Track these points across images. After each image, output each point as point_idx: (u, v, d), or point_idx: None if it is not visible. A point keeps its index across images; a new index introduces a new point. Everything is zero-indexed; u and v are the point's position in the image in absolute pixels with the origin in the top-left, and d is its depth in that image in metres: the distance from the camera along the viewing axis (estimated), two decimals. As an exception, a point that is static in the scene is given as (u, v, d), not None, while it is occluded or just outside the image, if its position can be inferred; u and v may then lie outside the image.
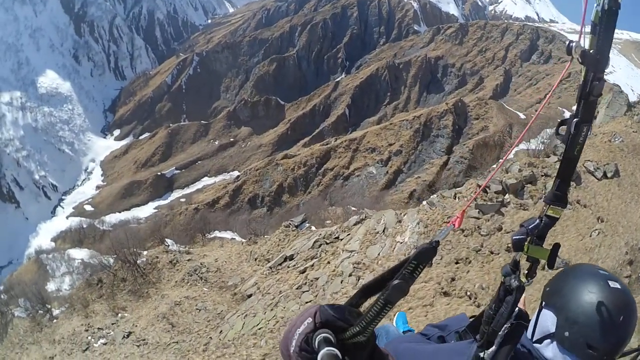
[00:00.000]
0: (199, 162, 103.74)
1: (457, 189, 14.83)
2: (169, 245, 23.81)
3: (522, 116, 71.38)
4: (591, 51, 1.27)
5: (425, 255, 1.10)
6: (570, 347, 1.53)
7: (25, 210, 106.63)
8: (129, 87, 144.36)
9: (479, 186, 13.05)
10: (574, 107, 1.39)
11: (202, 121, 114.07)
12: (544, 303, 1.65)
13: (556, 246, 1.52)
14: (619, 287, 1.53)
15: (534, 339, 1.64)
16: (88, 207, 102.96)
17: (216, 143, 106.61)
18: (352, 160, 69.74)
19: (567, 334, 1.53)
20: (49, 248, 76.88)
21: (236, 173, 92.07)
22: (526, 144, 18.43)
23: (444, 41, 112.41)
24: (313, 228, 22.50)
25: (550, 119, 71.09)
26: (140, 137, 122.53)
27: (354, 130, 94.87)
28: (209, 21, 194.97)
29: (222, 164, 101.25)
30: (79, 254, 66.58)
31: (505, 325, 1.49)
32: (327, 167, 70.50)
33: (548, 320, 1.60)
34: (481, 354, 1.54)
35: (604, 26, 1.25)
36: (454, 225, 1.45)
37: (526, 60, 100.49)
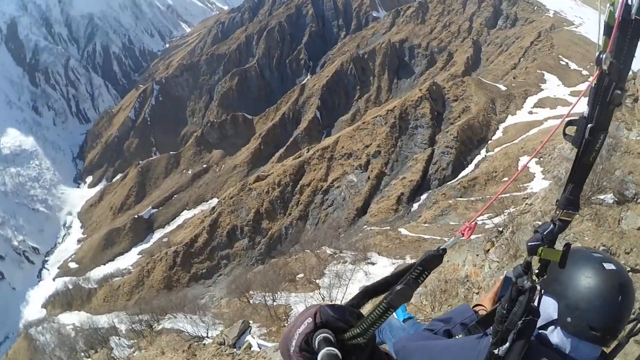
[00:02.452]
0: (175, 196, 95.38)
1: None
2: (112, 349, 22.61)
3: (502, 87, 63.45)
4: (613, 60, 1.24)
5: (431, 262, 1.10)
6: (574, 332, 1.62)
7: (11, 280, 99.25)
8: (94, 130, 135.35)
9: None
10: (585, 110, 1.35)
11: (172, 152, 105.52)
12: (542, 290, 1.72)
13: (567, 246, 1.51)
14: (613, 267, 1.61)
15: (538, 326, 1.68)
16: (72, 265, 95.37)
17: (189, 172, 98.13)
18: (329, 170, 61.59)
19: (569, 319, 1.61)
20: (40, 318, 71.81)
21: (215, 200, 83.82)
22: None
23: (405, 23, 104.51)
24: (258, 345, 15.42)
25: (531, 85, 64.89)
26: (114, 180, 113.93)
27: (329, 132, 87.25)
28: (167, 45, 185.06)
29: (199, 193, 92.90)
30: (70, 319, 63.45)
31: (518, 323, 1.49)
32: (303, 183, 62.35)
33: (549, 307, 1.68)
34: (495, 351, 1.55)
35: (630, 36, 1.22)
36: (463, 234, 1.40)
37: (493, 27, 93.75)
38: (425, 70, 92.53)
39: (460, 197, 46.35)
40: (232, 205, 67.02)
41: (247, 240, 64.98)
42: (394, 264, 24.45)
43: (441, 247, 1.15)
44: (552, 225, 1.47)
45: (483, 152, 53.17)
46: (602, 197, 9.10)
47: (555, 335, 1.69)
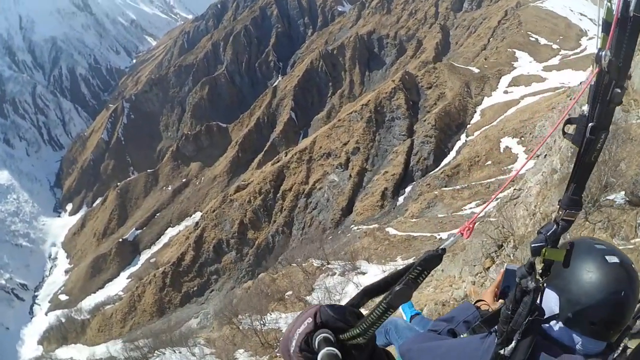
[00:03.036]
0: (158, 214, 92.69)
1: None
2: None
3: (475, 70, 62.18)
4: (613, 58, 1.23)
5: (430, 262, 1.10)
6: (576, 327, 1.57)
7: (4, 320, 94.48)
8: (68, 155, 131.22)
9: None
10: (584, 107, 1.35)
11: (149, 170, 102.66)
12: (545, 284, 1.66)
13: (571, 245, 1.56)
14: (617, 260, 1.54)
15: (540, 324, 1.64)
16: (63, 297, 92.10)
17: (169, 189, 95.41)
18: (309, 172, 59.77)
19: (570, 314, 1.57)
20: (37, 356, 72.30)
21: (199, 214, 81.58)
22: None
23: (371, 14, 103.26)
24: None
25: (503, 64, 62.71)
26: (94, 205, 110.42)
27: (306, 132, 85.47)
28: (134, 61, 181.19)
29: (181, 209, 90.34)
30: (67, 353, 65.05)
31: (523, 323, 1.51)
32: (284, 188, 60.42)
33: (551, 302, 1.63)
34: (501, 352, 1.56)
35: (629, 33, 1.21)
36: (462, 234, 1.37)
37: (459, 10, 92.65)
38: (396, 60, 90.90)
39: (445, 186, 45.02)
40: (215, 219, 64.94)
41: (234, 253, 62.97)
42: (384, 271, 23.41)
43: (440, 247, 1.15)
44: (555, 226, 1.47)
45: (463, 137, 51.92)
46: (611, 197, 8.08)
47: (557, 330, 1.63)
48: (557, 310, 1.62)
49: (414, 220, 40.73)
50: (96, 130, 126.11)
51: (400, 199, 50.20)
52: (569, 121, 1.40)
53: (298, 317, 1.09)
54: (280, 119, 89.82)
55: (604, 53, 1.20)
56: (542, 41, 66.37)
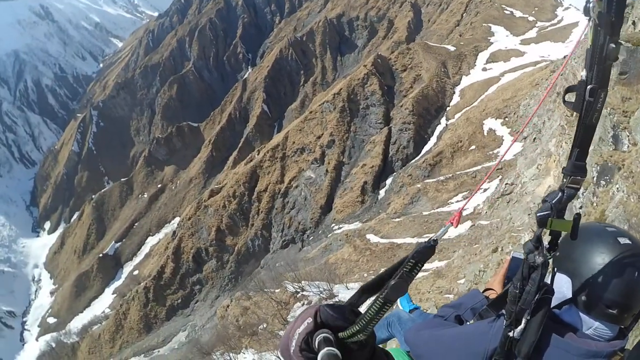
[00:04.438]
0: (136, 224, 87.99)
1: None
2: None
3: (450, 48, 57.99)
4: (604, 11, 1.21)
5: (423, 254, 1.10)
6: (589, 310, 1.54)
7: None
8: (41, 172, 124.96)
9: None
10: (583, 73, 1.31)
11: (123, 179, 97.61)
12: (555, 269, 1.64)
13: (577, 216, 1.44)
14: (629, 242, 1.52)
15: (552, 306, 1.60)
16: (51, 320, 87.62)
17: (145, 196, 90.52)
18: (283, 170, 55.46)
19: (584, 297, 1.54)
20: None
21: (178, 220, 77.14)
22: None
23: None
24: None
25: (480, 40, 57.28)
26: (72, 220, 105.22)
27: (280, 124, 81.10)
28: (101, 65, 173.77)
29: (159, 216, 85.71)
30: None
31: (532, 302, 1.47)
32: (259, 189, 56.16)
33: (563, 286, 1.60)
34: (510, 333, 1.53)
35: None
36: (452, 223, 1.40)
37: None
38: (368, 42, 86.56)
39: (428, 176, 41.16)
40: (191, 227, 60.64)
41: (215, 261, 58.93)
42: None
43: (432, 238, 1.14)
44: (560, 194, 1.40)
45: (443, 121, 47.94)
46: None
47: (570, 314, 1.59)
48: (569, 295, 1.56)
49: (397, 220, 36.93)
50: (66, 142, 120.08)
51: (382, 192, 46.46)
52: (569, 89, 1.36)
53: (298, 317, 1.09)
54: (252, 113, 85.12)
55: (591, 5, 1.19)
56: (518, 14, 63.56)
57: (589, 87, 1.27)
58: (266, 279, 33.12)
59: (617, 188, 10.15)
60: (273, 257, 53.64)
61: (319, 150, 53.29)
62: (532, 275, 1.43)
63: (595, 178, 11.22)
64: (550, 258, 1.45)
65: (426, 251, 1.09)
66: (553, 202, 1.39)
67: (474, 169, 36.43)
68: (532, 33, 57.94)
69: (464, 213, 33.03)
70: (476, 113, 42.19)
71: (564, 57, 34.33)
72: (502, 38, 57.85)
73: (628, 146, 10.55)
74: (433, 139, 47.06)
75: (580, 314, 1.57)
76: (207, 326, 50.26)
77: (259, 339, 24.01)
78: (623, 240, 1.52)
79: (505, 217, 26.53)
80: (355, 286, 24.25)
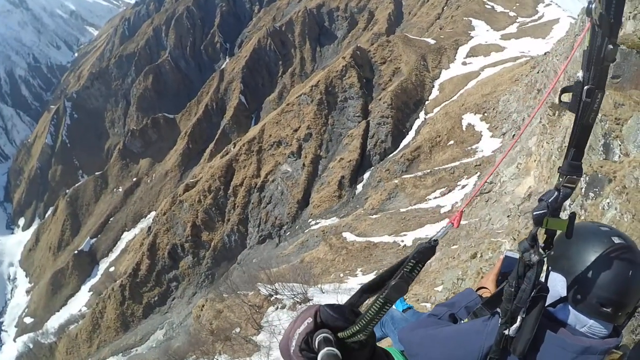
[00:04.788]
0: (111, 219, 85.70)
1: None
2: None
3: (430, 41, 56.89)
4: (604, 12, 1.19)
5: (424, 254, 1.09)
6: (583, 308, 1.54)
7: None
8: (15, 166, 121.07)
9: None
10: (579, 74, 1.30)
11: (97, 172, 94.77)
12: (550, 267, 1.65)
13: (572, 215, 1.47)
14: (623, 242, 1.53)
15: (547, 304, 1.60)
16: (28, 320, 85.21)
17: (120, 190, 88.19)
18: (260, 164, 53.90)
19: (579, 296, 1.54)
20: None
21: (153, 214, 75.12)
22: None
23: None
24: None
25: (460, 34, 56.33)
26: (47, 216, 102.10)
27: (258, 116, 79.30)
28: (75, 55, 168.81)
29: (135, 210, 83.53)
30: None
31: (527, 300, 1.48)
32: (235, 183, 54.55)
33: (557, 285, 1.61)
34: (505, 332, 1.54)
35: None
36: (452, 224, 1.36)
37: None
38: (348, 33, 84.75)
39: (406, 171, 40.13)
40: (166, 223, 58.79)
41: (191, 258, 57.28)
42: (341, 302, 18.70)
43: (433, 239, 1.13)
44: (556, 193, 1.40)
45: (422, 115, 46.87)
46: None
47: (564, 312, 1.60)
48: (563, 293, 1.58)
49: (374, 216, 35.87)
50: (39, 135, 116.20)
51: (359, 187, 45.36)
52: (565, 90, 1.37)
53: (298, 317, 1.08)
54: (229, 104, 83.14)
55: (594, 5, 1.16)
56: (499, 9, 62.89)
57: (585, 87, 1.27)
58: (239, 281, 31.84)
59: (608, 203, 9.01)
60: (250, 252, 52.41)
61: (295, 144, 51.85)
62: (527, 274, 1.43)
63: (583, 189, 10.13)
64: (545, 257, 1.44)
65: (427, 251, 1.08)
66: (549, 201, 1.38)
67: (452, 164, 35.49)
68: (512, 28, 57.40)
69: (442, 211, 32.22)
70: (455, 108, 41.20)
71: (545, 53, 33.43)
72: (482, 32, 57.15)
73: (619, 156, 9.50)
74: (411, 134, 46.00)
75: (575, 312, 1.56)
76: (184, 323, 49.27)
77: (233, 344, 23.17)
78: (617, 240, 1.52)
79: (484, 218, 25.64)
80: (330, 288, 23.55)
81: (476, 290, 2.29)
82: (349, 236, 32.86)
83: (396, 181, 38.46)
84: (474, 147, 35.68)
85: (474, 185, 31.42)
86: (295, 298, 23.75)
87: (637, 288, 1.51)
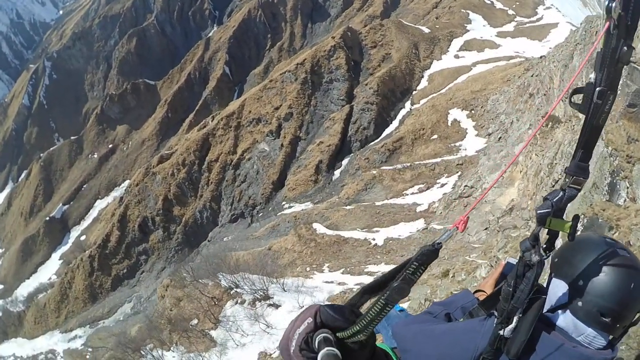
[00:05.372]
0: (85, 186, 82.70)
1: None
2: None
3: (425, 30, 54.63)
4: (622, 12, 1.19)
5: (427, 257, 1.08)
6: (583, 317, 1.51)
7: None
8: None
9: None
10: (592, 75, 1.29)
11: (73, 137, 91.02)
12: (553, 274, 1.63)
13: (576, 218, 1.46)
14: (627, 254, 1.52)
15: (546, 310, 1.60)
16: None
17: (95, 157, 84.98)
18: (237, 141, 51.54)
19: (580, 304, 1.51)
20: None
21: (127, 183, 72.46)
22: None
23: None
24: None
25: (456, 26, 53.84)
26: (20, 179, 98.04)
27: (241, 89, 76.40)
28: (60, 12, 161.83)
29: (109, 178, 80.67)
30: (9, 349, 61.34)
31: (525, 301, 1.46)
32: (210, 159, 52.22)
33: (559, 291, 1.58)
34: (501, 332, 1.51)
35: None
36: (457, 227, 1.33)
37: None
38: (342, 12, 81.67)
39: (386, 162, 38.36)
40: (138, 195, 56.48)
41: (161, 232, 55.26)
42: (302, 307, 18.31)
43: (437, 242, 1.12)
44: (562, 193, 1.39)
45: (408, 105, 44.88)
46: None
47: (562, 319, 1.56)
48: (565, 300, 1.54)
49: (348, 207, 34.14)
50: (17, 95, 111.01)
51: (337, 173, 43.61)
52: (575, 91, 1.34)
53: (298, 317, 1.07)
54: (213, 75, 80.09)
55: (614, 5, 1.15)
56: (498, 5, 61.03)
57: (597, 89, 1.25)
58: (202, 267, 30.11)
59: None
60: (221, 231, 50.65)
61: (275, 122, 49.51)
62: (527, 274, 1.40)
63: (581, 232, 8.19)
64: (546, 258, 1.43)
65: (430, 254, 1.07)
66: (554, 200, 1.37)
67: (434, 160, 33.77)
68: (509, 27, 55.91)
69: (418, 209, 30.55)
70: (442, 101, 39.33)
71: (541, 57, 31.69)
72: (478, 27, 55.55)
73: (625, 200, 7.52)
74: (395, 123, 44.06)
75: (574, 319, 1.52)
76: (152, 298, 48.07)
77: (189, 336, 22.69)
78: (622, 253, 1.50)
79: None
80: (293, 284, 22.32)
81: (474, 293, 2.24)
82: (320, 228, 31.14)
83: (374, 172, 36.71)
84: (457, 144, 33.93)
85: (453, 187, 29.76)
86: (255, 294, 22.38)
87: (637, 301, 1.48)
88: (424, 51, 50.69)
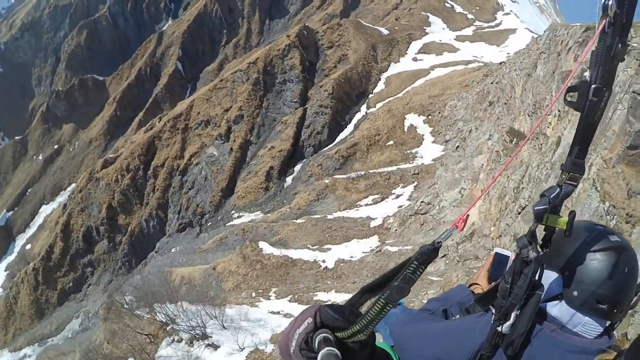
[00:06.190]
0: (29, 190, 76.58)
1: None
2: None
3: (384, 31, 52.65)
4: (618, 10, 1.19)
5: (427, 256, 1.07)
6: (580, 306, 1.51)
7: None
8: None
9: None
10: (587, 73, 1.29)
11: (17, 137, 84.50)
12: (545, 265, 1.54)
13: (572, 213, 1.44)
14: (618, 239, 1.52)
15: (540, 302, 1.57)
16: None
17: (40, 158, 78.89)
18: (184, 144, 47.87)
19: (575, 293, 1.51)
20: None
21: (73, 187, 67.26)
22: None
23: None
24: None
25: (415, 28, 51.76)
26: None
27: (194, 86, 72.30)
28: (12, 1, 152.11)
29: (55, 182, 74.83)
30: None
31: (523, 297, 1.44)
32: (155, 164, 48.39)
33: (552, 282, 1.58)
34: (499, 328, 1.49)
35: None
36: (456, 226, 1.32)
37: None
38: (301, 10, 78.96)
39: (339, 169, 35.70)
40: (81, 202, 52.03)
41: (106, 242, 51.15)
42: (242, 349, 16.84)
43: (436, 241, 1.11)
44: (558, 189, 1.39)
45: (363, 108, 42.33)
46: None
47: (557, 309, 1.55)
48: (559, 291, 1.54)
49: (298, 221, 31.29)
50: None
51: (289, 180, 40.71)
52: (570, 89, 1.34)
53: (298, 317, 1.06)
54: (165, 71, 75.57)
55: (610, 2, 1.16)
56: (458, 9, 60.61)
57: (593, 86, 1.26)
58: (140, 293, 26.94)
59: None
60: (169, 241, 46.93)
61: (225, 125, 46.03)
62: (524, 270, 1.38)
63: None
64: (543, 254, 1.42)
65: (430, 253, 1.06)
66: (551, 196, 1.36)
67: (389, 169, 31.28)
68: (468, 31, 55.19)
69: (371, 224, 28.00)
70: (399, 105, 36.93)
71: (500, 63, 29.81)
72: (438, 30, 54.91)
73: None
74: (350, 127, 41.43)
75: (570, 309, 1.51)
76: (99, 314, 44.54)
77: None
78: (612, 238, 1.50)
79: (416, 245, 21.44)
80: (235, 315, 19.87)
81: (468, 287, 2.22)
82: (266, 247, 28.12)
83: (327, 181, 33.95)
84: (413, 151, 31.47)
85: (409, 199, 27.26)
86: (193, 331, 19.73)
87: (632, 285, 1.49)
88: (382, 53, 48.48)
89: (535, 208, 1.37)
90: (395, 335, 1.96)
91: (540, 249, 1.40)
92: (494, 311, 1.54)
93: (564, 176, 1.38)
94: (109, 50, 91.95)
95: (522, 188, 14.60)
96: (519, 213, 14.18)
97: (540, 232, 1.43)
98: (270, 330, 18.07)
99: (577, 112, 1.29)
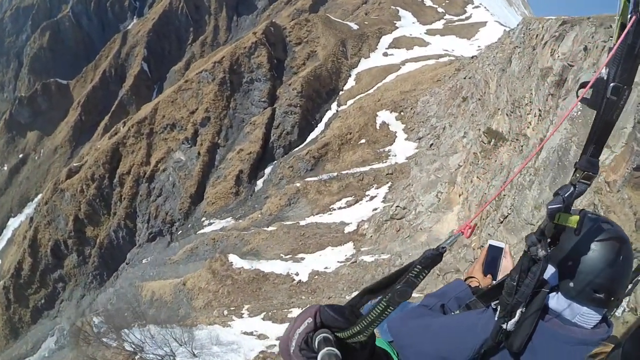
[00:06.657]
0: (-5, 203, 72.98)
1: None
2: None
3: (353, 26, 51.14)
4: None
5: (430, 261, 1.07)
6: (577, 296, 1.50)
7: None
8: None
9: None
10: (603, 71, 1.26)
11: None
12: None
13: (583, 212, 1.47)
14: (612, 227, 1.51)
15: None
16: None
17: (5, 168, 75.16)
18: (150, 150, 45.58)
19: (572, 284, 1.50)
20: None
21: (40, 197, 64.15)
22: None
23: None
24: None
25: (385, 23, 50.19)
26: None
27: (161, 87, 69.46)
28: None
29: (21, 193, 71.14)
30: None
31: (529, 295, 1.46)
32: (121, 171, 46.01)
33: (548, 275, 1.55)
34: (503, 326, 1.50)
35: None
36: (462, 233, 1.30)
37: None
38: (269, 5, 76.37)
39: (311, 170, 34.06)
40: (47, 215, 49.34)
41: (76, 255, 48.51)
42: None
43: (441, 246, 1.11)
44: (572, 188, 1.37)
45: (334, 106, 40.68)
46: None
47: (554, 300, 1.53)
48: (555, 283, 1.52)
49: (270, 228, 29.61)
50: None
51: (259, 183, 39.03)
52: (582, 86, 1.29)
53: (298, 317, 1.06)
54: (130, 72, 72.46)
55: None
56: (428, 2, 59.86)
57: (611, 84, 1.22)
58: (108, 316, 25.31)
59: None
60: (139, 251, 44.76)
61: (191, 128, 43.89)
62: (532, 268, 1.39)
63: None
64: (551, 252, 1.43)
65: (434, 258, 1.05)
66: (565, 195, 1.34)
67: (362, 169, 29.76)
68: (439, 24, 54.41)
69: (346, 230, 26.41)
70: (370, 102, 35.44)
71: (472, 57, 28.31)
72: (408, 24, 53.95)
73: (625, 310, 5.37)
74: (321, 126, 39.76)
75: (567, 300, 1.50)
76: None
77: None
78: (606, 226, 1.48)
79: (394, 254, 19.97)
80: (207, 335, 18.94)
81: (465, 280, 2.20)
82: (236, 260, 26.37)
83: (298, 185, 32.32)
84: (386, 149, 29.97)
85: (383, 201, 25.75)
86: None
87: (628, 273, 1.48)
88: (351, 49, 47.07)
89: (550, 207, 1.33)
90: (394, 331, 1.91)
91: (549, 247, 1.38)
92: (494, 307, 1.54)
93: (577, 175, 1.35)
94: (73, 51, 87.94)
95: (504, 195, 13.26)
96: (501, 222, 12.85)
97: (534, 229, 1.34)
98: (243, 355, 16.85)
99: (592, 109, 1.25)
